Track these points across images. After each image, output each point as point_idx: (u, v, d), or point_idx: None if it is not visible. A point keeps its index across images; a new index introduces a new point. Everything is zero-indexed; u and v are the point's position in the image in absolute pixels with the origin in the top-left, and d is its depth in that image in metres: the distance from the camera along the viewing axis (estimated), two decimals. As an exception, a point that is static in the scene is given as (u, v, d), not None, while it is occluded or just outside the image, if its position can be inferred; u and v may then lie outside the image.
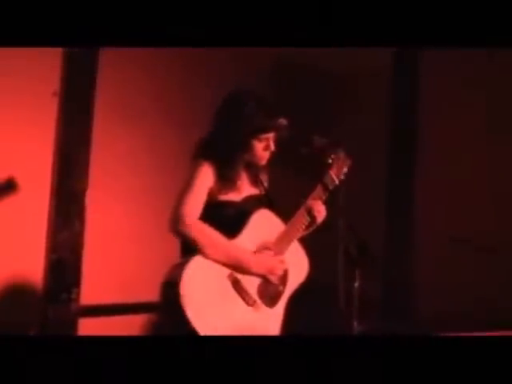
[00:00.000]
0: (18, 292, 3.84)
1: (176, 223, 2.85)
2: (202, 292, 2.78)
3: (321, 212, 3.12)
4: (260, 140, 3.01)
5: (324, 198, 3.13)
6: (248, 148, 3.01)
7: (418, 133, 5.09)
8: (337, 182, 3.17)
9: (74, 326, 4.00)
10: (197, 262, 2.82)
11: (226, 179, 2.98)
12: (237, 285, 2.89)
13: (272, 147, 3.04)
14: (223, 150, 2.98)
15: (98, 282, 4.06)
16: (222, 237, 2.89)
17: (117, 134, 4.20)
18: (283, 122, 3.02)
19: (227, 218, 2.96)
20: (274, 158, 3.12)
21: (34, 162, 3.94)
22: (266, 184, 3.21)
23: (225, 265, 2.87)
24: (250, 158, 3.05)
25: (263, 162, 3.09)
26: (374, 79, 5.02)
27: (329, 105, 5.04)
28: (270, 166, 3.19)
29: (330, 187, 3.15)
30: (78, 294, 4.01)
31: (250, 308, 2.90)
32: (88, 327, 4.01)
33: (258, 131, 2.99)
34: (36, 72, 3.89)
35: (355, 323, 2.68)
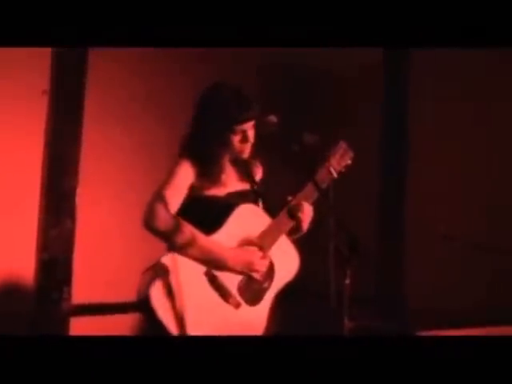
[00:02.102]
0: (9, 291, 3.83)
1: (149, 219, 2.80)
2: (175, 294, 2.69)
3: (306, 213, 3.00)
4: (235, 132, 2.92)
5: (317, 194, 3.02)
6: (225, 141, 2.94)
7: (410, 131, 5.09)
8: (335, 175, 3.09)
9: (65, 324, 3.99)
10: (169, 259, 2.75)
11: (207, 175, 2.92)
12: (214, 282, 2.80)
13: (250, 139, 2.96)
14: (201, 145, 2.93)
15: (89, 281, 4.05)
16: (197, 231, 2.81)
17: (107, 133, 4.19)
18: (261, 113, 2.94)
19: (209, 213, 2.88)
20: (267, 155, 3.10)
21: (24, 161, 3.93)
22: (257, 179, 3.13)
23: (200, 261, 2.79)
24: (230, 152, 2.98)
25: (245, 155, 3.00)
26: (366, 78, 5.03)
27: (320, 103, 5.05)
28: (263, 161, 3.15)
29: (326, 182, 3.05)
30: (70, 292, 4.00)
31: (230, 306, 2.81)
32: (80, 326, 4.01)
33: (231, 123, 2.90)
34: (25, 71, 3.87)
35: (346, 321, 2.67)
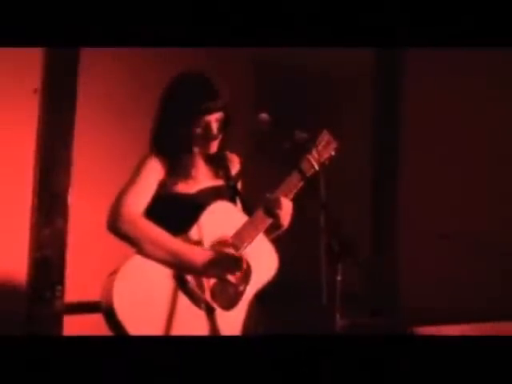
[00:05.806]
0: (2, 291, 3.82)
1: (113, 221, 2.63)
2: (141, 298, 2.53)
3: (284, 209, 2.77)
4: (198, 125, 2.73)
5: (299, 187, 2.82)
6: (188, 134, 2.74)
7: (402, 131, 5.10)
8: (316, 167, 2.85)
9: (58, 323, 3.99)
10: (133, 263, 2.59)
11: (176, 170, 2.74)
12: (184, 286, 2.60)
13: (216, 132, 2.74)
14: (166, 139, 2.76)
15: (82, 280, 4.05)
16: (164, 232, 2.62)
17: (99, 132, 4.20)
18: (220, 103, 2.73)
19: (179, 212, 2.70)
20: (257, 153, 3.06)
21: (16, 160, 3.92)
22: (233, 174, 2.90)
23: (168, 264, 2.60)
24: (196, 145, 2.79)
25: (211, 149, 2.80)
26: (359, 78, 5.04)
27: (314, 104, 5.06)
28: (242, 155, 3.00)
29: (308, 174, 2.84)
30: (63, 291, 4.00)
31: (202, 312, 2.63)
32: (73, 325, 4.01)
33: (193, 115, 2.72)
34: (16, 70, 3.87)
35: (338, 319, 2.64)
